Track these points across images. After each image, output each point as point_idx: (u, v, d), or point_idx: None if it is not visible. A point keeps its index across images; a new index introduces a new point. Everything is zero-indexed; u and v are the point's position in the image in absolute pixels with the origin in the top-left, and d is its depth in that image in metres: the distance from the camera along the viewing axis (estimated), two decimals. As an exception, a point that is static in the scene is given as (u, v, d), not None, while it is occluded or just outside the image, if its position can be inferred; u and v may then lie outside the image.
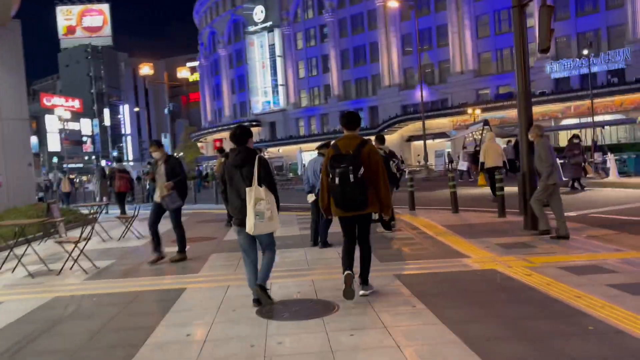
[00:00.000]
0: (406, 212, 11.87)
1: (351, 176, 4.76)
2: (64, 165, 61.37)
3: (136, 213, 10.96)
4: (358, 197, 4.80)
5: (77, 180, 55.27)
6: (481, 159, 13.94)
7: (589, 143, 24.96)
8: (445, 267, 6.21)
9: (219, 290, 5.71)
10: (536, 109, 9.50)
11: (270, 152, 51.14)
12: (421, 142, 37.44)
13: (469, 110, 43.58)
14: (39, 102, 76.45)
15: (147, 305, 5.45)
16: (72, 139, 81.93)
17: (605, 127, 34.32)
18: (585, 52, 35.15)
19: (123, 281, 6.62)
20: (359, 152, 4.90)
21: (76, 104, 77.45)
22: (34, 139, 78.16)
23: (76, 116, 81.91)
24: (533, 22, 35.80)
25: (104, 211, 15.51)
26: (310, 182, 8.17)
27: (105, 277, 6.96)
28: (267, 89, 67.07)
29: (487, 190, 14.67)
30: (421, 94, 36.21)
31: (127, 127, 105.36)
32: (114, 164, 17.20)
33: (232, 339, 4.10)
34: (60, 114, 59.83)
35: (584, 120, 40.00)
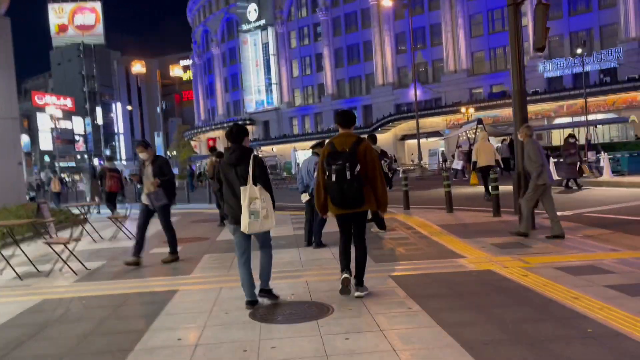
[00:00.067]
0: (401, 212, 11.81)
1: (348, 173, 4.78)
2: (56, 164, 60.94)
3: (128, 213, 10.82)
4: (355, 193, 4.82)
5: (70, 179, 54.93)
6: (473, 159, 14.06)
7: (582, 142, 25.00)
8: (440, 268, 6.14)
9: (211, 292, 5.61)
10: (529, 108, 9.49)
11: (264, 151, 50.95)
12: (415, 141, 37.45)
13: (463, 109, 43.65)
14: (31, 101, 75.88)
15: (138, 308, 5.34)
16: (64, 138, 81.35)
17: (598, 126, 34.47)
18: (578, 51, 35.25)
19: (113, 283, 6.50)
20: (355, 149, 4.91)
21: (68, 102, 76.94)
22: (25, 138, 77.77)
23: (68, 115, 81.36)
24: (526, 21, 35.94)
25: (95, 211, 15.38)
26: (304, 181, 8.09)
27: (95, 278, 6.83)
28: (260, 88, 66.88)
29: (481, 189, 14.65)
30: (415, 93, 36.22)
31: (119, 126, 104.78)
32: (105, 163, 17.03)
33: (225, 343, 4.01)
34: (52, 113, 59.33)
35: (576, 119, 40.18)
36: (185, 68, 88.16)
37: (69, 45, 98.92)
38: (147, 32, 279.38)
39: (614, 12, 42.70)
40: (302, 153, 45.13)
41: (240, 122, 48.12)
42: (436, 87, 51.76)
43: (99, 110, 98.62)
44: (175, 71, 59.04)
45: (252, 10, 65.93)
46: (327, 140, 5.41)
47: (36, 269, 7.32)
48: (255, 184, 4.81)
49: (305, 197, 8.06)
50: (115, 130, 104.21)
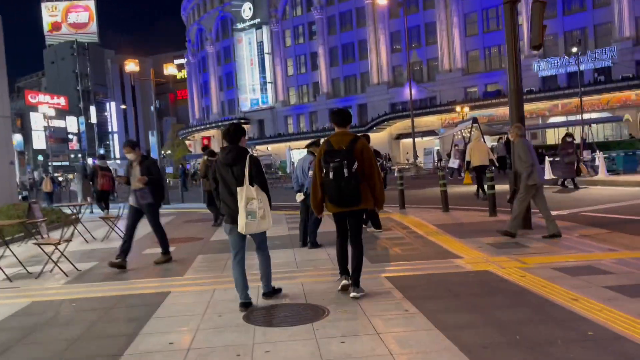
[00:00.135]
0: (396, 211, 11.74)
1: (345, 170, 4.79)
2: (49, 163, 60.56)
3: (120, 213, 10.69)
4: (352, 191, 4.82)
5: (63, 178, 54.56)
6: (467, 158, 14.10)
7: (578, 141, 25.04)
8: (437, 269, 6.07)
9: (204, 294, 5.52)
10: (524, 107, 9.48)
11: (259, 150, 50.83)
12: (410, 140, 37.41)
13: (458, 108, 43.69)
14: (24, 100, 75.40)
15: (129, 311, 5.23)
16: (58, 137, 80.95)
17: (592, 125, 34.55)
18: (574, 49, 35.32)
19: (105, 285, 6.38)
20: (352, 147, 4.92)
21: (62, 101, 76.57)
22: (19, 137, 77.20)
23: (62, 114, 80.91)
24: (521, 20, 35.96)
25: (87, 211, 15.23)
26: (299, 180, 8.00)
27: (86, 280, 6.71)
28: (255, 87, 66.70)
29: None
30: (410, 92, 36.17)
31: (113, 125, 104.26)
32: (97, 162, 16.89)
33: (217, 348, 3.91)
34: (45, 112, 58.94)
35: (571, 118, 40.27)
36: (180, 67, 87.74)
37: (62, 44, 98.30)
38: (141, 30, 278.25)
39: (608, 11, 42.82)
40: (297, 152, 45.01)
41: (235, 122, 48.11)
42: (431, 86, 51.77)
43: (92, 109, 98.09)
44: (170, 70, 58.64)
45: (246, 9, 65.73)
46: (322, 140, 5.37)
47: (26, 270, 7.19)
48: (251, 184, 4.78)
49: (300, 197, 7.97)
50: (110, 129, 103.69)
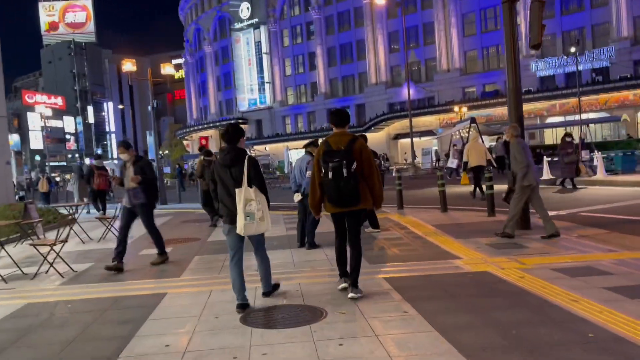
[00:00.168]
0: (394, 211, 11.70)
1: (344, 170, 4.79)
2: (47, 164, 60.41)
3: (117, 213, 10.61)
4: (351, 191, 4.81)
5: (60, 178, 54.42)
6: (464, 159, 14.08)
7: (576, 141, 25.04)
8: (436, 269, 6.03)
9: (201, 295, 5.46)
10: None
11: (257, 150, 50.78)
12: (408, 140, 37.40)
13: (456, 108, 43.70)
14: (21, 99, 75.17)
15: (125, 313, 5.17)
16: (55, 137, 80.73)
17: (590, 124, 34.61)
18: (572, 49, 35.35)
19: (100, 286, 6.32)
20: (350, 147, 4.91)
21: (59, 101, 76.36)
22: (16, 137, 77.01)
23: (59, 113, 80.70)
24: (519, 19, 35.97)
25: (84, 211, 15.16)
26: (297, 181, 7.96)
27: (82, 281, 6.65)
28: (253, 87, 66.63)
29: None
30: (408, 92, 36.15)
31: (111, 125, 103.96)
32: (94, 162, 16.82)
33: (214, 350, 3.87)
34: (42, 112, 58.76)
35: (569, 118, 40.33)
36: (178, 67, 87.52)
37: (59, 44, 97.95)
38: (139, 30, 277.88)
39: (605, 11, 42.88)
40: (295, 152, 44.98)
41: (234, 122, 48.05)
42: (429, 86, 51.78)
43: (90, 109, 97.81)
44: (167, 70, 58.50)
45: (244, 9, 65.65)
46: (320, 140, 5.34)
47: (21, 271, 7.14)
48: (250, 185, 4.76)
49: (297, 197, 7.93)
50: (107, 129, 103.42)
